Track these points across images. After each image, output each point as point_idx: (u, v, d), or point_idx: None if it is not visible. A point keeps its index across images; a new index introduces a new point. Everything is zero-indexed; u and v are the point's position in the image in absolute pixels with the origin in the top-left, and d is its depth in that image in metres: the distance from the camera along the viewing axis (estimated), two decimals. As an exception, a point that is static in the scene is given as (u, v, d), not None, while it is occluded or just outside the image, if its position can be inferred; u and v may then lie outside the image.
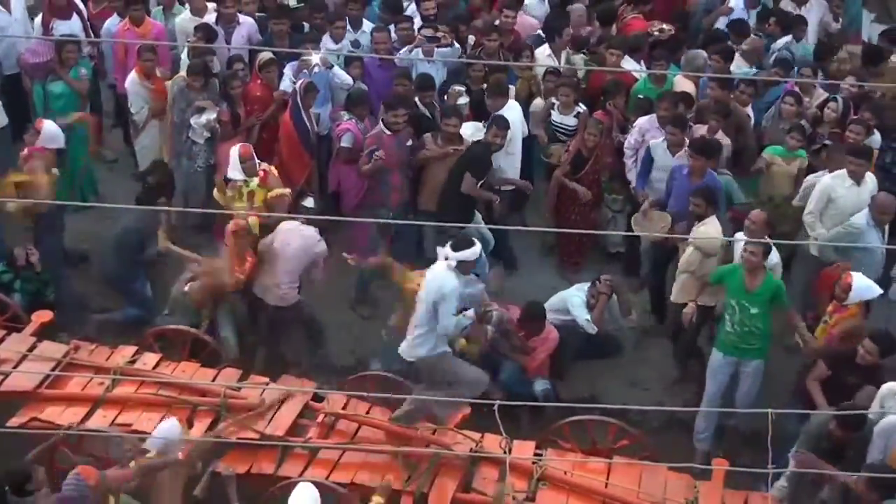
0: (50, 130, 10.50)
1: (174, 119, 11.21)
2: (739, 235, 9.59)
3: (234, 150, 10.40)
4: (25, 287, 10.39)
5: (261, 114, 11.26)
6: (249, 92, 11.33)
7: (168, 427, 8.14)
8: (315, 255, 9.84)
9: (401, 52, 11.68)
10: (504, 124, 10.61)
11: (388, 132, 10.57)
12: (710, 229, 9.75)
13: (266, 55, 11.28)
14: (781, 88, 11.35)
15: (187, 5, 12.31)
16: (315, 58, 11.19)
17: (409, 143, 10.75)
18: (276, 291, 9.83)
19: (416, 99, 11.13)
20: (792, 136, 10.62)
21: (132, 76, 11.35)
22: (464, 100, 11.25)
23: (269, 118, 11.29)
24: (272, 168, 10.60)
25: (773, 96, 11.44)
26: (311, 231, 9.79)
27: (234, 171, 10.37)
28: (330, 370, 10.48)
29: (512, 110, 11.05)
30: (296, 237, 9.76)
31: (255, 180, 10.36)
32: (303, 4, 12.61)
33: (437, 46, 11.55)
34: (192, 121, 11.01)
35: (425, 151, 10.73)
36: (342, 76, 11.35)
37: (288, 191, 10.39)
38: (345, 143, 10.78)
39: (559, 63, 11.81)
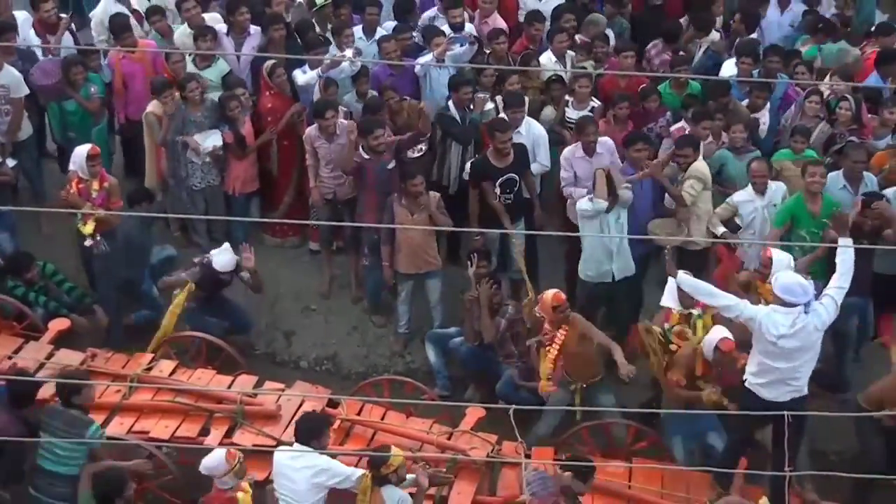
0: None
1: (168, 138, 11.10)
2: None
3: None
4: (45, 300, 10.42)
5: (274, 126, 11.29)
6: (261, 105, 11.36)
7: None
8: None
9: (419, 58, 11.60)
10: (502, 127, 10.43)
11: (366, 156, 10.45)
12: (699, 163, 10.25)
13: (270, 62, 11.26)
14: (784, 88, 11.43)
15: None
16: (348, 52, 11.21)
17: (391, 166, 10.57)
18: None
19: (450, 101, 11.04)
20: (794, 139, 10.60)
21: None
22: (490, 105, 11.15)
23: (286, 127, 11.31)
24: None
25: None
26: None
27: None
28: (344, 376, 10.61)
29: (532, 125, 10.94)
30: None
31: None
32: (328, 3, 12.46)
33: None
34: (201, 143, 10.97)
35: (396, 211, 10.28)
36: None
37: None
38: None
39: (565, 67, 11.79)
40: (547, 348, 9.18)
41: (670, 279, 8.91)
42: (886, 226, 9.65)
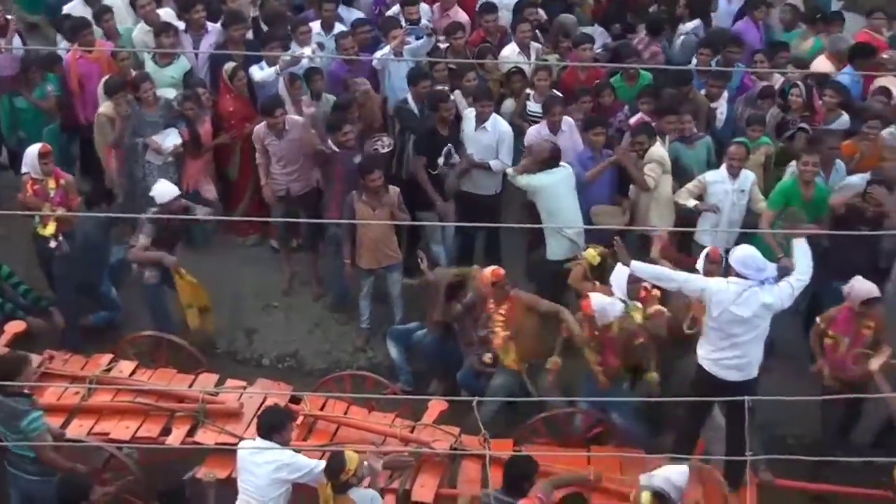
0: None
1: (125, 140, 11.03)
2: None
3: None
4: (1, 302, 10.34)
5: (237, 129, 11.27)
6: (221, 107, 11.33)
7: None
8: None
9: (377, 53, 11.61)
10: (444, 97, 10.75)
11: (335, 149, 10.54)
12: (658, 147, 10.44)
13: (230, 64, 11.23)
14: (740, 77, 11.57)
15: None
16: (307, 50, 11.22)
17: (357, 158, 10.56)
18: None
19: (409, 95, 11.15)
20: (752, 128, 10.70)
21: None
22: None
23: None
24: None
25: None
26: None
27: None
28: (306, 373, 10.60)
29: (499, 122, 10.96)
30: None
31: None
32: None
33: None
34: (161, 144, 10.90)
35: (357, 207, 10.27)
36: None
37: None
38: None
39: (529, 58, 11.82)
40: (494, 329, 9.31)
41: (619, 266, 8.94)
42: (885, 212, 9.72)
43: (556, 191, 10.23)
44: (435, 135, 10.78)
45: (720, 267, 9.13)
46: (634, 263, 8.53)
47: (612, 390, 9.04)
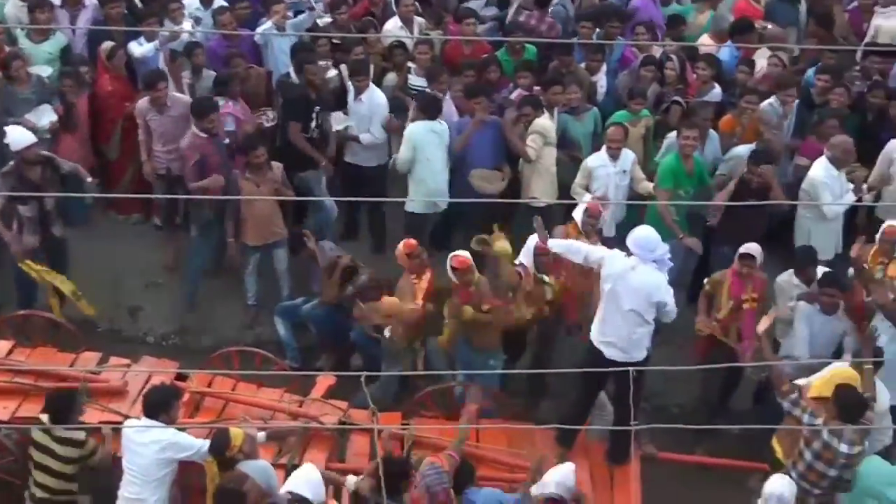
0: None
1: None
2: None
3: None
4: None
5: (116, 110, 11.00)
6: (100, 87, 11.07)
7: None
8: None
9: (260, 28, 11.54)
10: (310, 60, 10.83)
11: (203, 135, 10.29)
12: (542, 119, 10.53)
13: (108, 44, 10.98)
14: (621, 50, 11.76)
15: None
16: (186, 25, 11.08)
17: (227, 140, 10.53)
18: None
19: (292, 69, 11.11)
20: (635, 101, 10.83)
21: None
22: (333, 73, 11.23)
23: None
24: None
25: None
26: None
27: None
28: (193, 350, 10.48)
29: (375, 94, 10.99)
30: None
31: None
32: None
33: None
34: (36, 122, 10.54)
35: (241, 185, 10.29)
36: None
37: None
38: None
39: (412, 32, 11.82)
40: (415, 283, 9.34)
41: (530, 239, 9.00)
42: (770, 185, 9.94)
43: (427, 140, 10.38)
44: (306, 99, 10.77)
45: (597, 221, 9.43)
46: (551, 242, 8.64)
47: (481, 360, 9.17)
